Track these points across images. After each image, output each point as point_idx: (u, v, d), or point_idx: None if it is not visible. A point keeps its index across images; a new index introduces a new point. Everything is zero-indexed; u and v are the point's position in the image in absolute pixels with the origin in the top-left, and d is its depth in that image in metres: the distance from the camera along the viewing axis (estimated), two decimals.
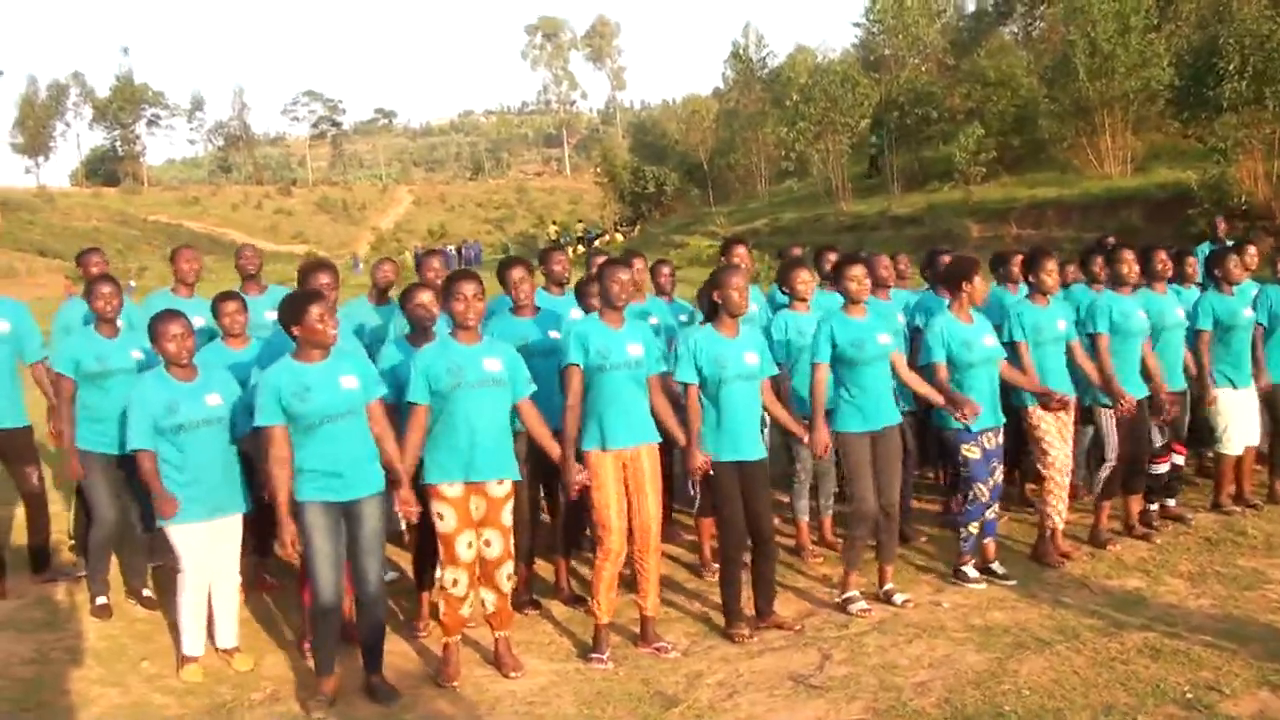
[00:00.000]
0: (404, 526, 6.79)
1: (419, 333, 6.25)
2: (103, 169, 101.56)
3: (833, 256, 7.86)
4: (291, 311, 5.29)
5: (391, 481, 5.41)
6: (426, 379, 5.43)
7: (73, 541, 7.49)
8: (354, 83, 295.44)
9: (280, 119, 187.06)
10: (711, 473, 5.95)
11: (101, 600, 6.54)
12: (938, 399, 6.49)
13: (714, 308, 6.05)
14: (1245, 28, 21.56)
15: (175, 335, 5.51)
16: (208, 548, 5.65)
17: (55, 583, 7.00)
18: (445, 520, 5.50)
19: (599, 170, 63.57)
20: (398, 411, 5.64)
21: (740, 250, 7.85)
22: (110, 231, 69.29)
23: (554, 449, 5.69)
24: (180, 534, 5.58)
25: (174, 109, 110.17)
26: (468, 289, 5.49)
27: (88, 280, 6.77)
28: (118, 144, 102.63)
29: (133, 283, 35.70)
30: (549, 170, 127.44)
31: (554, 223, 64.34)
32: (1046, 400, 6.77)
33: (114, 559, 6.72)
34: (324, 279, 6.37)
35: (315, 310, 5.23)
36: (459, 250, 57.13)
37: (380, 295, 7.90)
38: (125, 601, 6.70)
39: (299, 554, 5.28)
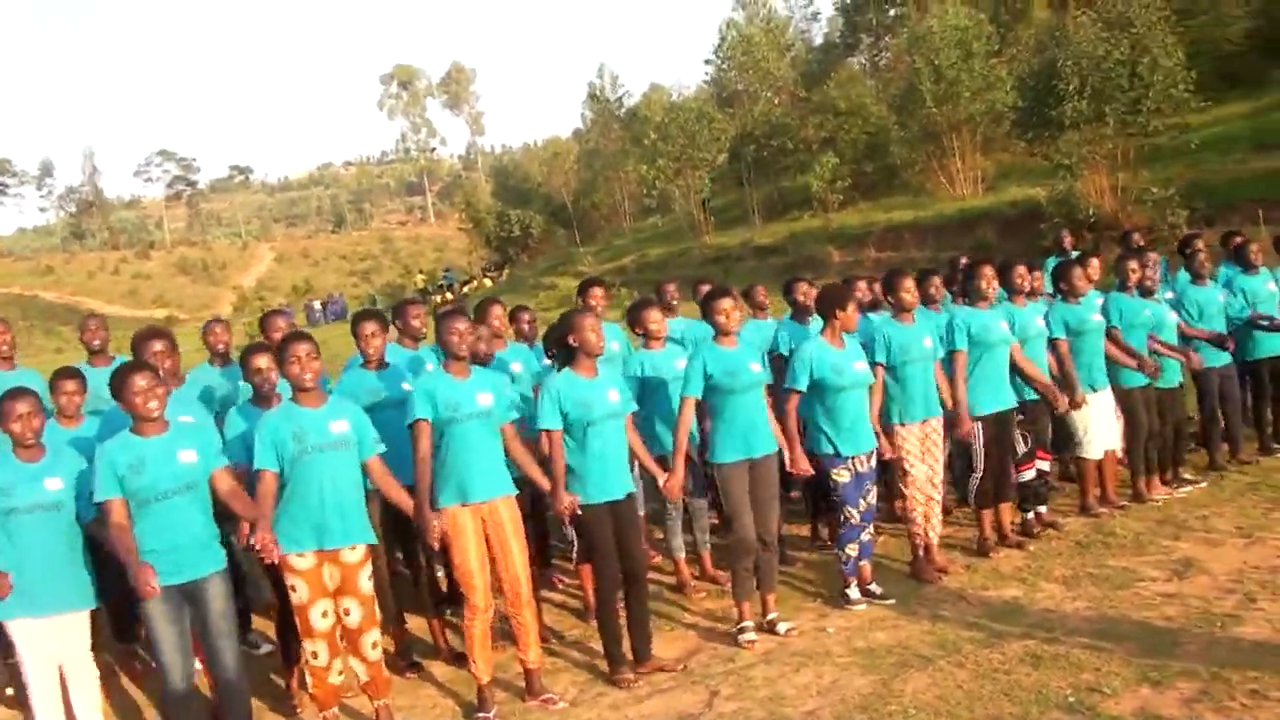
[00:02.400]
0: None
1: (261, 397, 6.04)
2: None
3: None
4: (113, 386, 5.07)
5: (249, 529, 5.15)
6: (272, 445, 5.24)
7: None
8: (208, 140, 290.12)
9: (134, 181, 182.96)
10: (580, 514, 5.87)
11: None
12: (788, 439, 6.55)
13: (570, 351, 5.97)
14: (1082, 50, 22.43)
15: (21, 415, 5.18)
16: (49, 643, 5.25)
17: None
18: (298, 592, 5.32)
19: (463, 216, 63.32)
20: (249, 476, 5.42)
21: (597, 291, 7.84)
22: None
23: (407, 504, 5.54)
24: (17, 629, 5.20)
25: (22, 176, 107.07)
26: (300, 350, 5.33)
27: None
28: None
29: None
30: (413, 219, 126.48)
31: (420, 271, 63.75)
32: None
33: None
34: (156, 347, 6.11)
35: (133, 383, 5.01)
36: (324, 305, 56.23)
37: (222, 359, 7.52)
38: None
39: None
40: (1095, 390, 7.91)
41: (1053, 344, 7.80)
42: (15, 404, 5.20)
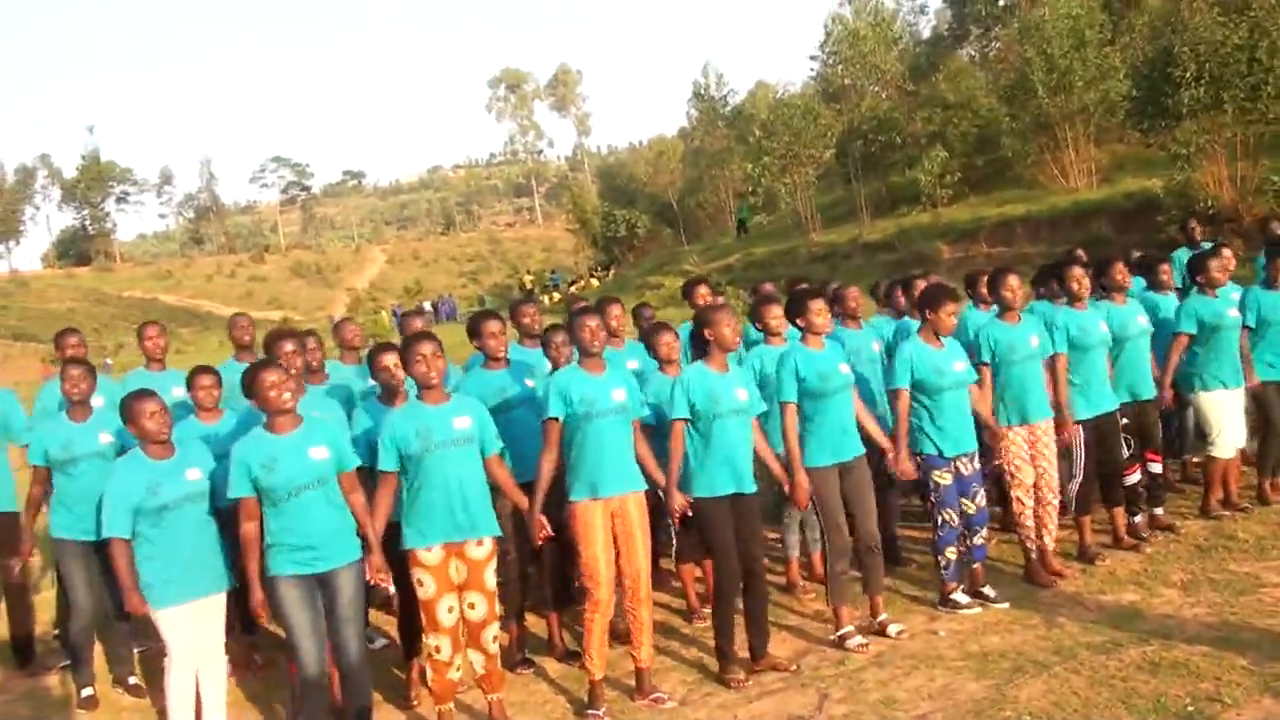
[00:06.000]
0: (391, 592, 6.68)
1: (388, 393, 6.23)
2: (74, 249, 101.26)
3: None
4: (246, 383, 5.28)
5: (364, 549, 5.36)
6: (395, 444, 5.38)
7: (56, 633, 7.35)
8: (321, 146, 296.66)
9: (249, 187, 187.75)
10: (691, 513, 5.90)
11: (87, 691, 6.44)
12: (895, 439, 6.49)
13: (705, 344, 6.05)
14: (1198, 35, 21.74)
15: (152, 413, 5.41)
16: (194, 629, 5.49)
17: (40, 675, 6.89)
18: (425, 587, 5.43)
19: (570, 217, 63.73)
20: (373, 475, 5.57)
21: (702, 290, 7.89)
22: (85, 311, 68.99)
23: (523, 502, 5.65)
24: (166, 617, 5.43)
25: (142, 184, 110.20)
26: (425, 349, 5.45)
27: (61, 363, 6.72)
28: (88, 223, 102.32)
29: (109, 360, 35.51)
30: (520, 220, 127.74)
31: (528, 272, 64.42)
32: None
33: (98, 647, 6.61)
34: (287, 347, 6.29)
35: (264, 377, 5.22)
36: (435, 306, 57.11)
37: (355, 357, 7.80)
38: (112, 691, 6.60)
39: (269, 620, 5.26)
40: (1229, 388, 7.69)
41: (1175, 338, 7.62)
42: (146, 403, 5.43)
